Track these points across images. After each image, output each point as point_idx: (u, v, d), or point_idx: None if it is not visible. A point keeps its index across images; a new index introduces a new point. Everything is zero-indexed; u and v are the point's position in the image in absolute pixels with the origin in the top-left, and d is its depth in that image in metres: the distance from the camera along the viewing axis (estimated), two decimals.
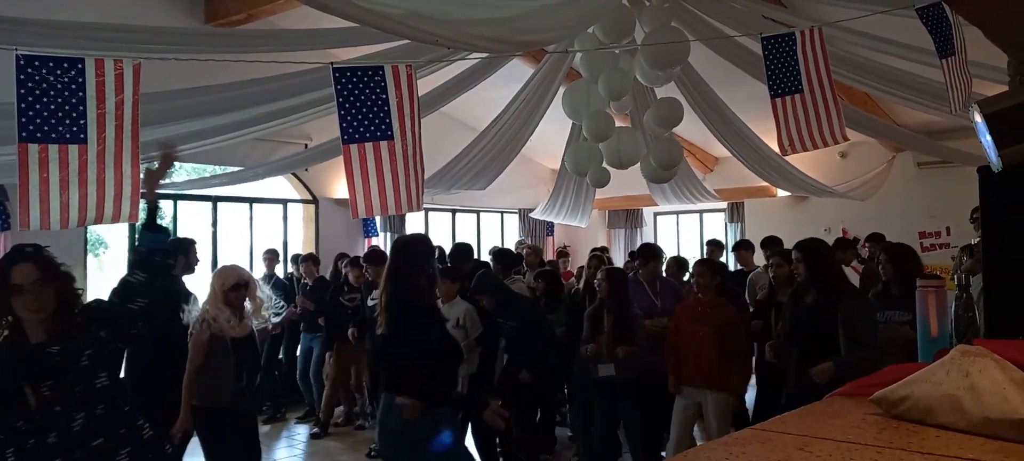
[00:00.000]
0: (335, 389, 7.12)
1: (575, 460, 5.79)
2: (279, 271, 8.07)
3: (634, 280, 5.59)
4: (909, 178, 9.85)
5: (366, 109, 2.87)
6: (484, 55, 4.88)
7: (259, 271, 7.69)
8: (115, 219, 2.87)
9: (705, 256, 7.44)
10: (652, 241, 12.21)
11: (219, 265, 7.86)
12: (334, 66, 2.91)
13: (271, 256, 7.91)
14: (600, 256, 6.47)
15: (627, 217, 12.65)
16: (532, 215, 11.11)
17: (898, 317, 3.84)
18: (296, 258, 8.28)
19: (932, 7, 3.35)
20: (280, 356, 7.93)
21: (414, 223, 10.41)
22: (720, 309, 4.80)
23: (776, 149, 7.68)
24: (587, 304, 5.46)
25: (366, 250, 9.18)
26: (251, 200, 8.87)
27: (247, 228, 8.86)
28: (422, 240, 3.19)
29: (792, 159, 7.64)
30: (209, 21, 7.35)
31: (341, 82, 2.88)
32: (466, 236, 11.60)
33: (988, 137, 2.52)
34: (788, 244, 6.84)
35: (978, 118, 2.52)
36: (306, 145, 8.37)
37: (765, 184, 9.87)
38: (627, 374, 4.93)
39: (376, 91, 2.88)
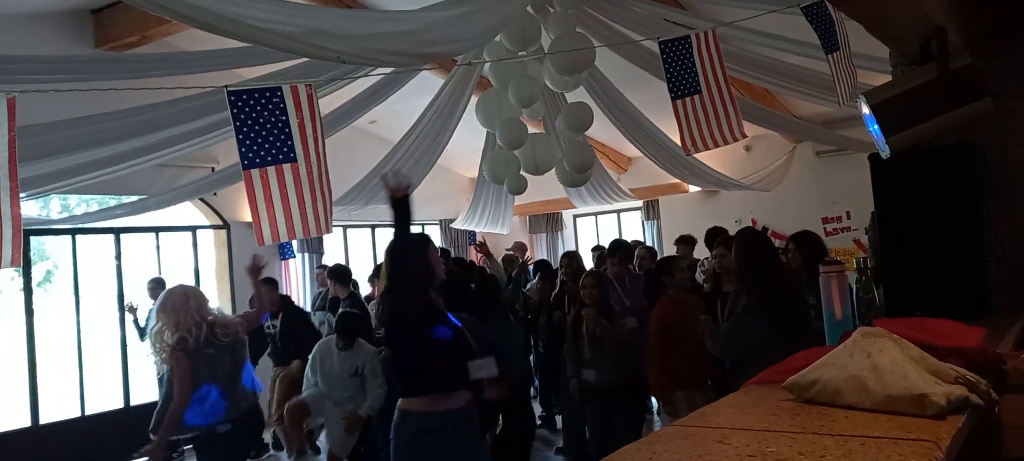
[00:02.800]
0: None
1: None
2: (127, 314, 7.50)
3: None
4: (809, 167, 10.33)
5: (265, 132, 2.78)
6: (390, 70, 4.84)
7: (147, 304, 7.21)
8: None
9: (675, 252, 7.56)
10: (573, 245, 12.40)
11: (127, 298, 7.55)
12: (229, 89, 2.80)
13: (156, 285, 7.30)
14: (575, 260, 6.46)
15: (547, 221, 12.78)
16: (453, 225, 11.07)
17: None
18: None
19: (815, 5, 3.53)
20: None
21: (332, 241, 10.19)
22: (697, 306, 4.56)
23: None
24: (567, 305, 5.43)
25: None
26: (157, 229, 8.48)
27: (154, 257, 8.46)
28: (415, 241, 3.17)
29: (701, 155, 7.91)
30: (99, 45, 6.98)
31: (237, 105, 2.77)
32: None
33: (875, 126, 2.67)
34: (701, 237, 7.14)
35: (865, 108, 2.67)
36: (213, 168, 8.07)
37: (677, 181, 10.17)
38: (612, 377, 4.76)
39: (276, 113, 2.78)
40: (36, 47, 6.26)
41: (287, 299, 7.22)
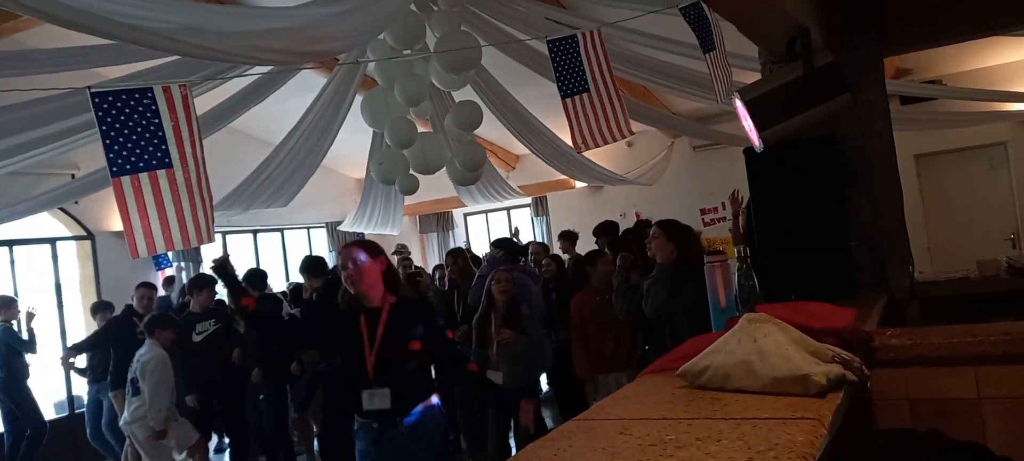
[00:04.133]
0: None
1: None
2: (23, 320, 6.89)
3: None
4: (687, 161, 10.81)
5: (136, 136, 2.57)
6: (268, 68, 4.64)
7: None
8: None
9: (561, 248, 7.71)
10: (463, 243, 12.38)
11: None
12: (92, 90, 2.57)
13: (6, 304, 6.78)
14: (460, 257, 6.47)
15: (438, 220, 12.71)
16: (341, 228, 10.79)
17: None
18: None
19: (693, 7, 3.69)
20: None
21: (211, 250, 9.69)
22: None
23: (571, 143, 8.18)
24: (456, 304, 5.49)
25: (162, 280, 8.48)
26: (11, 242, 7.77)
27: (8, 273, 7.75)
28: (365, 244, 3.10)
29: (586, 151, 8.10)
30: None
31: (103, 108, 2.55)
32: (271, 255, 11.02)
33: (749, 122, 2.82)
34: (587, 231, 7.32)
35: (739, 105, 2.80)
36: (73, 175, 7.48)
37: (564, 177, 10.37)
38: (519, 380, 4.86)
39: (147, 115, 2.58)
40: None
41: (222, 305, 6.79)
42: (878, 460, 1.64)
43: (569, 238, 7.93)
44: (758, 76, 3.72)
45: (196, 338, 6.17)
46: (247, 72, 4.35)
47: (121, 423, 5.78)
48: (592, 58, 3.50)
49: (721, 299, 2.26)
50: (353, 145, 8.02)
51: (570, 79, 3.47)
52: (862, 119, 3.29)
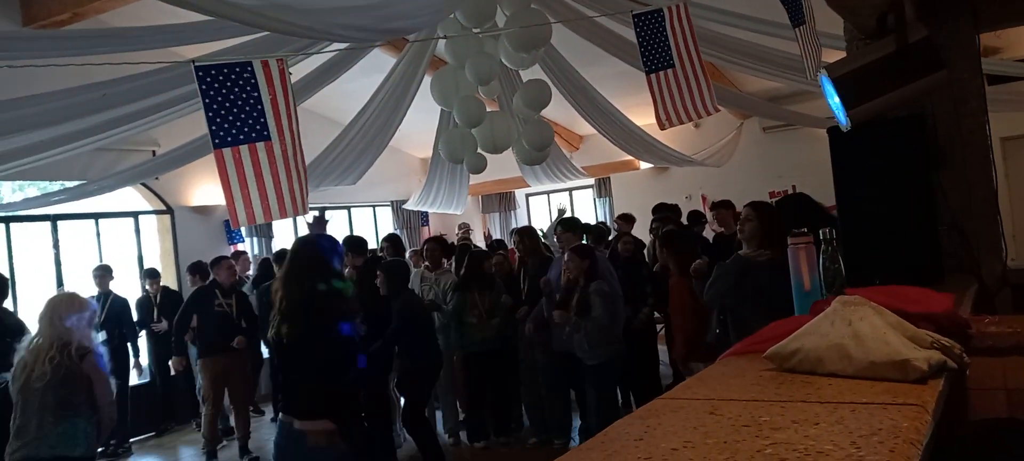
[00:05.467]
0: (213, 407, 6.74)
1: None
2: (115, 287, 7.39)
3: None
4: (757, 142, 10.54)
5: (237, 109, 2.65)
6: (345, 46, 4.72)
7: (91, 291, 7.06)
8: None
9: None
10: (527, 222, 12.40)
11: (64, 289, 7.28)
12: (196, 64, 2.66)
13: (103, 273, 7.27)
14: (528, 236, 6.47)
15: (500, 200, 12.76)
16: (406, 206, 10.96)
17: None
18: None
19: None
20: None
21: (282, 226, 9.97)
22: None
23: (639, 123, 8.07)
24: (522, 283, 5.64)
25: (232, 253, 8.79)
26: (97, 216, 8.16)
27: (95, 246, 8.14)
28: (324, 239, 3.08)
29: (651, 132, 7.99)
30: (27, 24, 6.62)
31: (206, 81, 2.64)
32: (338, 233, 11.27)
33: (836, 99, 2.72)
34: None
35: (827, 82, 2.71)
36: (154, 152, 7.80)
37: (629, 158, 10.25)
38: (591, 358, 4.94)
39: (247, 89, 2.66)
40: None
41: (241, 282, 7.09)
42: (978, 449, 1.57)
43: (628, 220, 7.87)
44: (837, 55, 3.58)
45: None
46: (324, 49, 4.42)
47: None
48: (678, 33, 3.42)
49: (805, 282, 2.20)
50: (419, 124, 8.11)
51: (655, 54, 3.41)
52: (954, 98, 3.14)
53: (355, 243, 6.16)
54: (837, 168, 3.11)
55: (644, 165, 10.87)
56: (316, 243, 3.14)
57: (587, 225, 6.99)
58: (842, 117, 2.68)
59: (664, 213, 6.98)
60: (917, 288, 1.90)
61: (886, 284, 2.25)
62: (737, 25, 5.54)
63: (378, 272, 5.27)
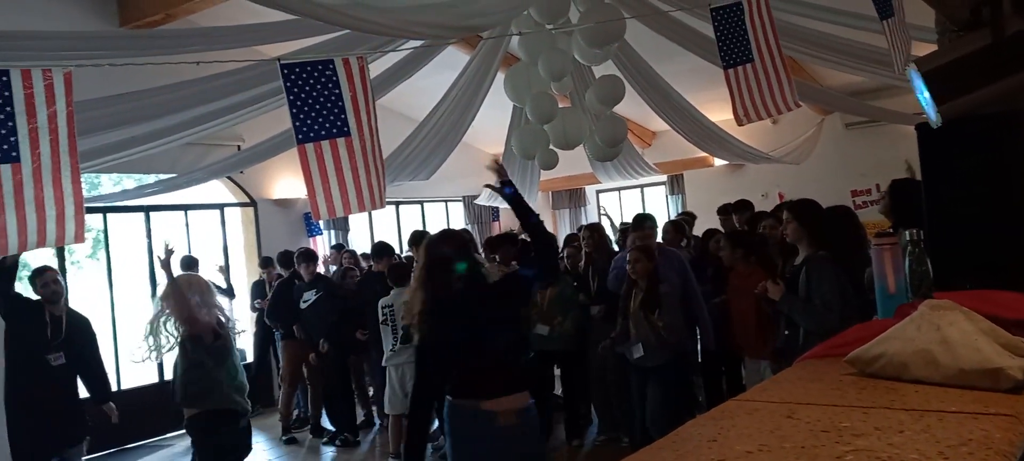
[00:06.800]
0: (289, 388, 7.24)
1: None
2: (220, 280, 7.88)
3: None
4: (838, 139, 10.17)
5: (319, 105, 2.75)
6: (420, 43, 4.80)
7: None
8: (60, 242, 2.65)
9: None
10: (596, 219, 12.32)
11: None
12: (281, 62, 2.78)
13: (189, 263, 7.61)
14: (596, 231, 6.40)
15: (570, 197, 12.73)
16: (477, 202, 11.06)
17: None
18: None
19: None
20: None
21: (358, 219, 10.23)
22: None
23: (713, 119, 7.90)
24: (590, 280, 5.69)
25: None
26: (186, 207, 8.56)
27: (184, 236, 8.55)
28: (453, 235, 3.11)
29: (727, 128, 7.80)
30: (123, 24, 7.01)
31: (290, 79, 2.75)
32: (412, 227, 11.48)
33: (926, 94, 2.61)
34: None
35: (917, 77, 2.59)
36: (239, 147, 8.11)
37: (703, 155, 10.04)
38: (654, 358, 4.86)
39: (329, 86, 2.76)
40: (66, 26, 6.30)
41: (322, 277, 7.31)
42: None
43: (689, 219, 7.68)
44: (925, 48, 3.43)
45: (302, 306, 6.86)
46: (401, 47, 4.51)
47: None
48: (758, 27, 3.34)
49: (889, 284, 2.13)
50: (492, 121, 8.17)
51: (734, 49, 3.34)
52: None
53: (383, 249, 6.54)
54: (926, 167, 2.97)
55: (718, 162, 10.63)
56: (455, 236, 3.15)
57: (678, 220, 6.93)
58: (932, 113, 2.57)
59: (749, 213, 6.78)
60: (1012, 293, 1.81)
61: (977, 289, 2.15)
62: (819, 17, 5.36)
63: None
